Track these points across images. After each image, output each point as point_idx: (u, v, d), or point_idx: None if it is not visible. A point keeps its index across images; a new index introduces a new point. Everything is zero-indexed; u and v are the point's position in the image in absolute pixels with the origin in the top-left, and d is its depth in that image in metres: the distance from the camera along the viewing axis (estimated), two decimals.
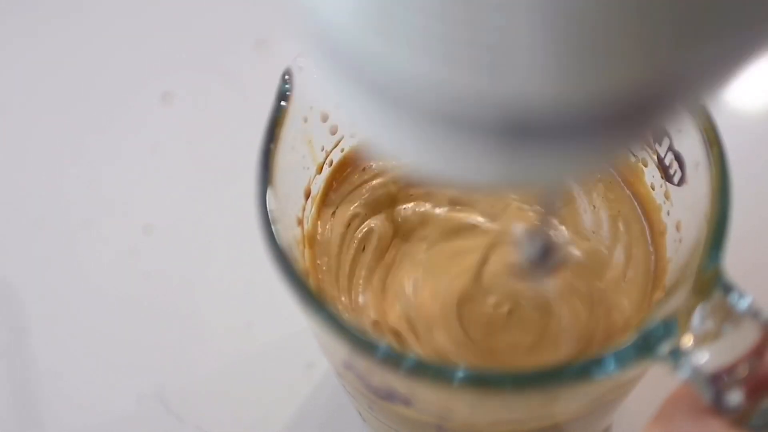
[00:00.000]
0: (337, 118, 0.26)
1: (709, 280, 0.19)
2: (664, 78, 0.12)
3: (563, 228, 0.25)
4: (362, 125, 0.14)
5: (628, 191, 0.27)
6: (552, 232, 0.22)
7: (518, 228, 0.25)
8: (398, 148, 0.14)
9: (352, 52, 0.12)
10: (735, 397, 0.18)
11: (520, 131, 0.12)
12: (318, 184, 0.27)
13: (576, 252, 0.26)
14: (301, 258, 0.25)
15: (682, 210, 0.24)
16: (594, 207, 0.27)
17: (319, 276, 0.26)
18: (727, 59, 0.12)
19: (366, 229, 0.27)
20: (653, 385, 0.23)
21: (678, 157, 0.24)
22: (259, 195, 0.22)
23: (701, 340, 0.19)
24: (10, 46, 0.44)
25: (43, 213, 0.39)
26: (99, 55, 0.44)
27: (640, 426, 0.20)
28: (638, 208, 0.27)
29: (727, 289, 0.19)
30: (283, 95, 0.23)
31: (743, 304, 0.19)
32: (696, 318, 0.19)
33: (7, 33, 0.45)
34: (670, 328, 0.19)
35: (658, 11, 0.11)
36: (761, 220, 0.36)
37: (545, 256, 0.22)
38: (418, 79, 0.12)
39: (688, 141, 0.23)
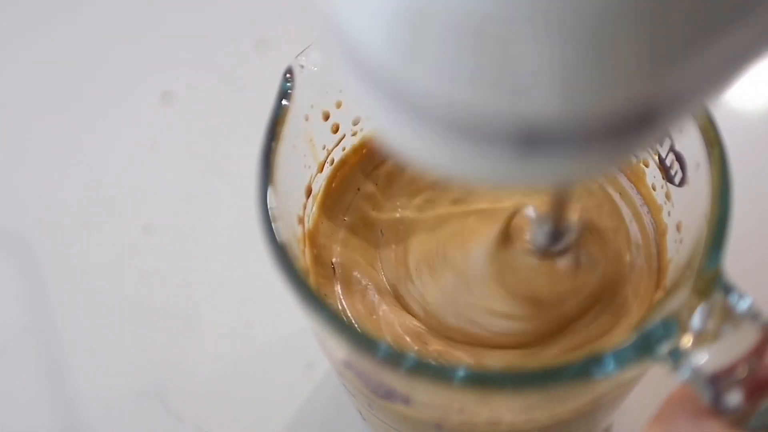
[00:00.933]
0: (338, 116, 0.27)
1: (710, 280, 0.19)
2: (659, 94, 0.13)
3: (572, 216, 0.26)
4: (382, 127, 0.15)
5: (632, 192, 0.27)
6: (559, 216, 0.23)
7: (528, 212, 0.25)
8: (416, 152, 0.15)
9: (379, 68, 0.13)
10: (734, 398, 0.18)
11: (533, 141, 0.13)
12: (319, 183, 0.27)
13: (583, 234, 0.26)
14: (302, 256, 0.25)
15: (683, 210, 0.24)
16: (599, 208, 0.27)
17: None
18: (718, 73, 0.13)
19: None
20: (653, 385, 0.23)
21: (679, 158, 0.24)
22: (260, 193, 0.22)
23: (701, 341, 0.19)
24: (7, 44, 0.44)
25: (43, 213, 0.39)
26: (98, 54, 0.44)
27: (640, 426, 0.20)
28: (641, 208, 0.27)
29: (728, 289, 0.19)
30: (284, 93, 0.23)
31: (743, 305, 0.19)
32: (696, 318, 0.19)
33: (4, 32, 0.45)
34: (669, 328, 0.19)
35: (647, 38, 0.12)
36: (761, 220, 0.36)
37: (554, 240, 0.23)
38: (442, 97, 0.13)
39: (689, 141, 0.23)
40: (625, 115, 0.13)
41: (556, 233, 0.23)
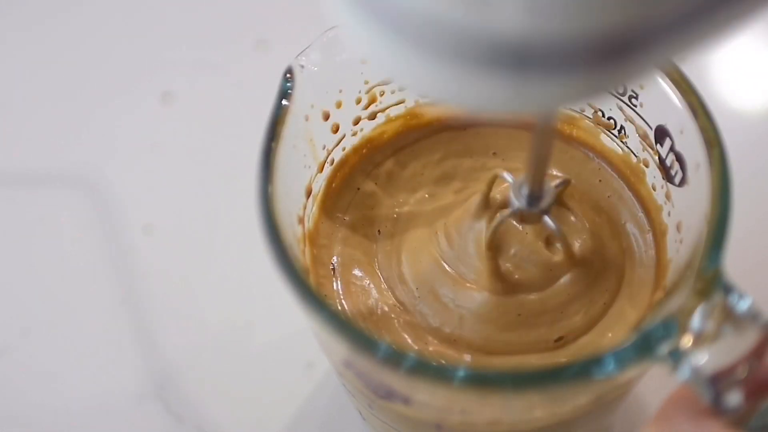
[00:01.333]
0: (338, 116, 0.27)
1: (710, 281, 0.19)
2: (638, 22, 0.13)
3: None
4: (378, 57, 0.16)
5: (630, 192, 0.27)
6: (537, 177, 0.23)
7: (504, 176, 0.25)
8: (410, 77, 0.16)
9: None
10: (734, 398, 0.18)
11: (515, 64, 0.14)
12: (319, 183, 0.27)
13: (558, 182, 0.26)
14: (302, 256, 0.25)
15: (683, 210, 0.24)
16: (597, 209, 0.27)
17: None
18: (697, 16, 0.14)
19: None
20: (653, 385, 0.23)
21: (679, 158, 0.24)
22: (260, 193, 0.22)
23: (701, 341, 0.19)
24: (7, 44, 0.44)
25: (43, 213, 0.39)
26: (98, 54, 0.44)
27: (640, 426, 0.20)
28: (640, 209, 0.27)
29: (728, 290, 0.19)
30: (284, 93, 0.23)
31: (743, 305, 0.19)
32: (696, 319, 0.19)
33: (4, 31, 0.45)
34: (669, 328, 0.19)
35: None
36: (761, 220, 0.36)
37: (532, 202, 0.23)
38: (421, 13, 0.14)
39: (689, 142, 0.23)
40: (595, 41, 0.13)
41: (535, 195, 0.23)
